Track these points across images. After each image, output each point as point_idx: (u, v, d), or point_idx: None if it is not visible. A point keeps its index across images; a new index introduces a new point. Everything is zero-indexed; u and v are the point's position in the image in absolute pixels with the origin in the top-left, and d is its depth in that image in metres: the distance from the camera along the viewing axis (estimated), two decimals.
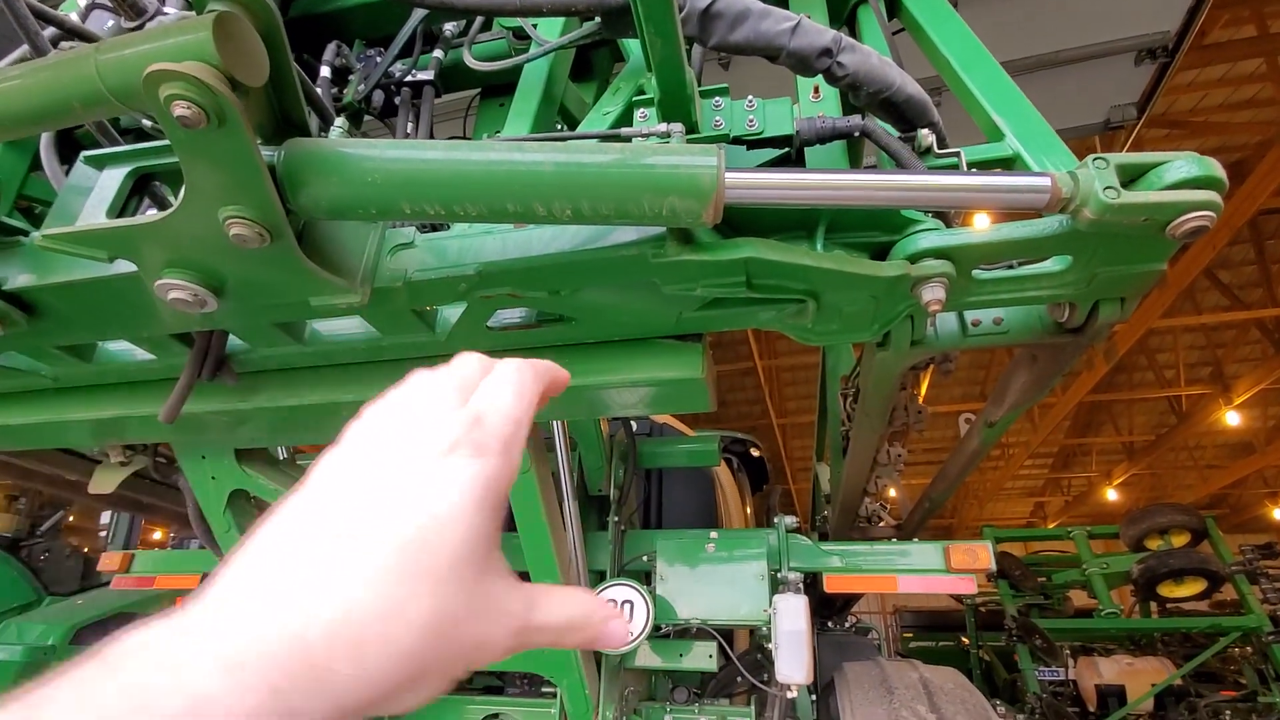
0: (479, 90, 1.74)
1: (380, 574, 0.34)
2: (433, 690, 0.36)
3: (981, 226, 1.10)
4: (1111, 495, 18.20)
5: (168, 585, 2.95)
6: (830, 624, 5.25)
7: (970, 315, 1.39)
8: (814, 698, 2.85)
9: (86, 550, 5.70)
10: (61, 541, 5.55)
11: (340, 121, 1.23)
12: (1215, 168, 0.92)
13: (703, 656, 2.31)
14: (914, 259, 1.07)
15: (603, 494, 2.60)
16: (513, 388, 0.47)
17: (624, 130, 1.14)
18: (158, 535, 8.46)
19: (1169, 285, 9.30)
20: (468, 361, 0.50)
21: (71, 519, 5.99)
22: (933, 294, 1.06)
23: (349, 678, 0.31)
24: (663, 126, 1.10)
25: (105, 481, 2.17)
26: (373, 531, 0.35)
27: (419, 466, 0.39)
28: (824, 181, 0.95)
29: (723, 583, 2.30)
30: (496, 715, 2.53)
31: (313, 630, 0.31)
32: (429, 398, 0.45)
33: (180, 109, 0.80)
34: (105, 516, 6.05)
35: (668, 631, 2.37)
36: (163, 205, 1.20)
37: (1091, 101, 3.83)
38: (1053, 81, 3.69)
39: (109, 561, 2.99)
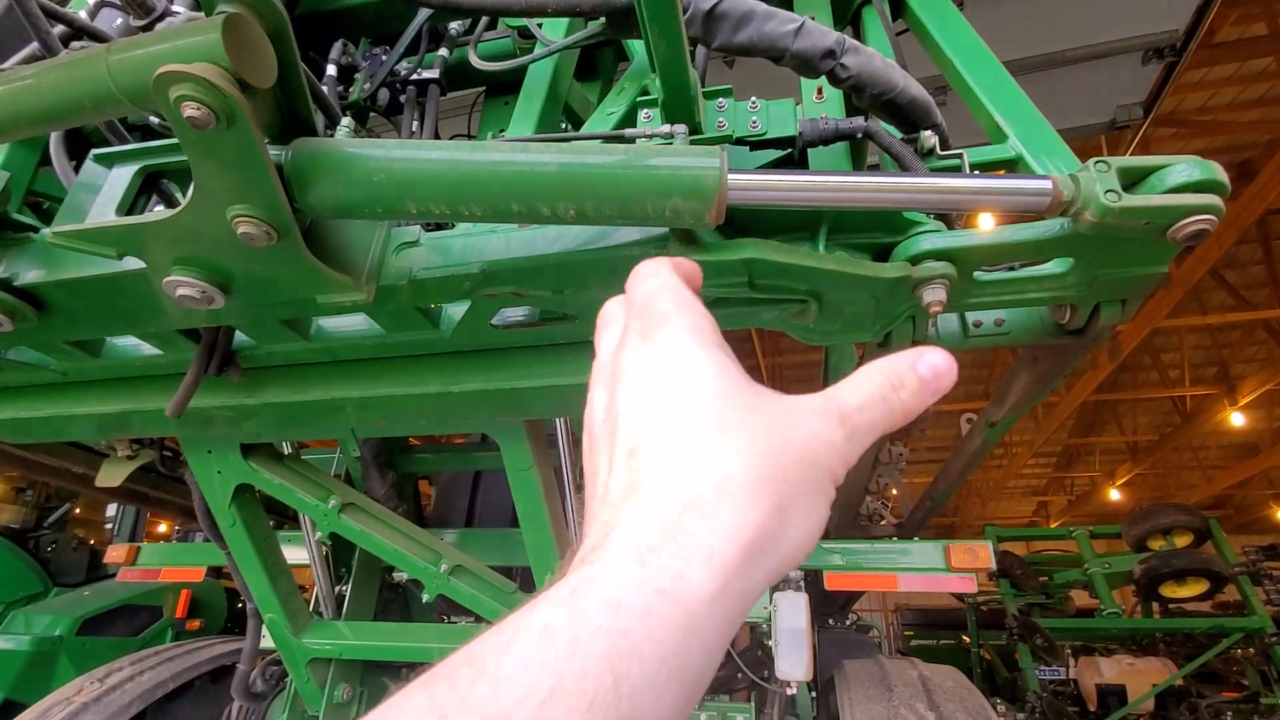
0: (484, 89, 1.75)
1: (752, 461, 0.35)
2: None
3: (983, 228, 1.10)
4: (1115, 495, 18.17)
5: (173, 577, 2.98)
6: (831, 622, 5.26)
7: (972, 316, 1.39)
8: (814, 695, 2.86)
9: (93, 542, 5.75)
10: (68, 533, 5.60)
11: (347, 121, 1.24)
12: (1217, 171, 0.93)
13: None
14: (915, 260, 1.08)
15: None
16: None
17: (628, 131, 1.14)
18: (163, 528, 8.52)
19: (1175, 285, 9.26)
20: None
21: (78, 511, 6.04)
22: (934, 295, 1.07)
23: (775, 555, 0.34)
24: (666, 127, 1.11)
25: (112, 475, 2.19)
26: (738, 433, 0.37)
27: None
28: (826, 183, 0.95)
29: None
30: None
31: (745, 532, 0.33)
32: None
33: (190, 110, 0.81)
34: (111, 509, 6.11)
35: None
36: (171, 203, 1.21)
37: (1098, 101, 3.82)
38: (1059, 81, 3.68)
39: (115, 554, 3.02)
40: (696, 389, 0.40)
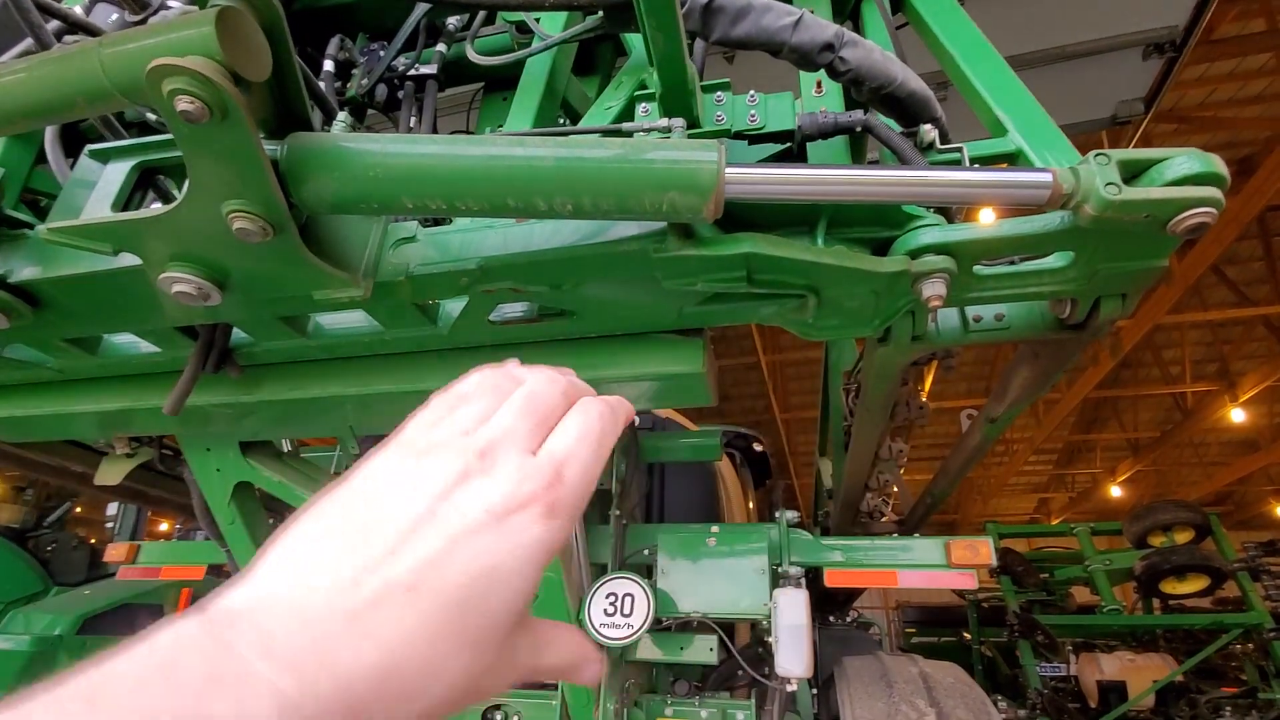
0: (482, 85, 1.74)
1: (431, 630, 0.33)
2: None
3: (983, 222, 1.10)
4: (1116, 492, 18.16)
5: (173, 576, 2.98)
6: (832, 619, 5.26)
7: (972, 311, 1.39)
8: (815, 692, 2.87)
9: (93, 541, 5.75)
10: (68, 532, 5.59)
11: (343, 116, 1.23)
12: (1217, 164, 0.92)
13: (703, 650, 2.33)
14: (915, 254, 1.07)
15: (604, 488, 2.61)
16: (595, 439, 0.43)
17: (625, 125, 1.14)
18: (164, 526, 8.52)
19: (1176, 281, 9.25)
20: (548, 383, 0.46)
21: (78, 510, 6.03)
22: (933, 289, 1.06)
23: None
24: (664, 121, 1.10)
25: (111, 473, 2.19)
26: (429, 581, 0.34)
27: (488, 515, 0.37)
28: (824, 177, 0.95)
29: (723, 577, 2.31)
30: (498, 707, 2.55)
31: (359, 681, 0.31)
32: (505, 421, 0.42)
33: (183, 104, 0.80)
34: (112, 508, 6.10)
35: (669, 625, 2.39)
36: (167, 199, 1.20)
37: (1099, 96, 3.81)
38: (1060, 76, 3.67)
39: (115, 552, 3.02)
40: None
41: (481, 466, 0.39)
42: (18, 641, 4.34)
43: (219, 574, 2.84)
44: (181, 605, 5.16)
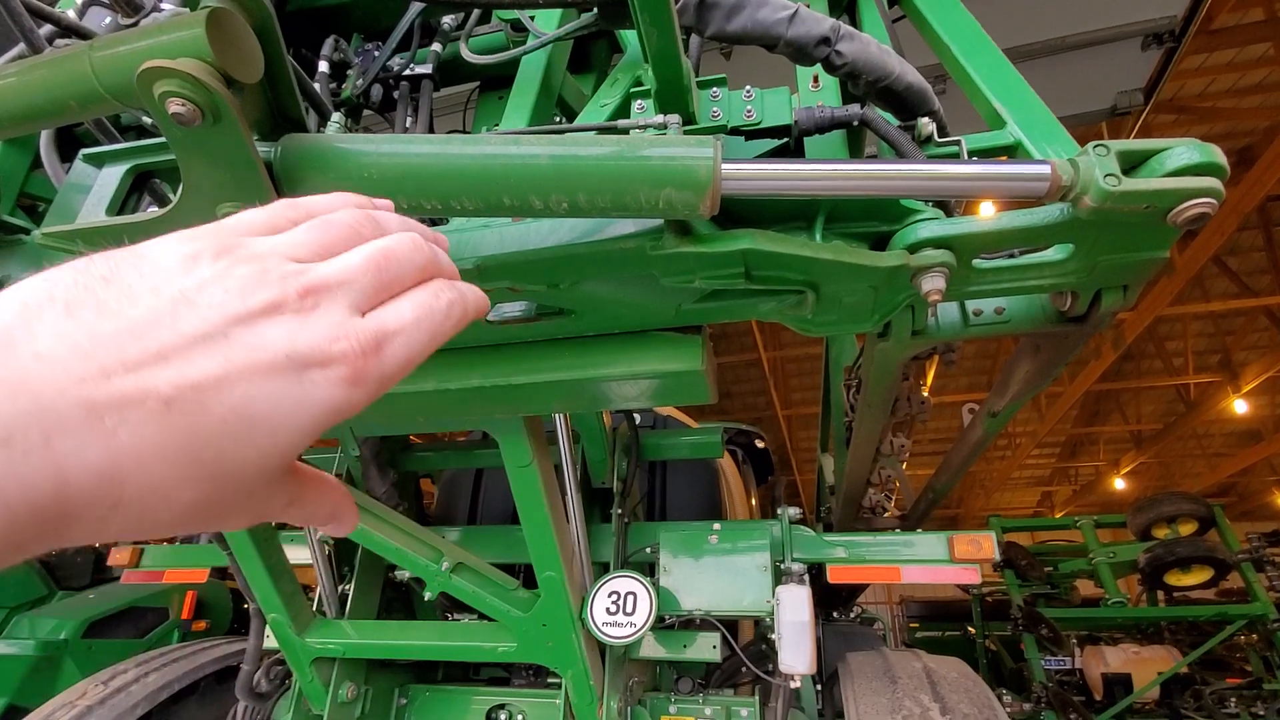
0: (478, 84, 1.73)
1: (172, 453, 0.30)
2: (203, 526, 0.34)
3: (982, 215, 1.09)
4: (1119, 484, 18.15)
5: (177, 579, 2.98)
6: (836, 615, 5.26)
7: (972, 305, 1.38)
8: (819, 688, 2.87)
9: (97, 545, 5.76)
10: None
11: (337, 117, 1.23)
12: (1216, 154, 0.91)
13: (706, 647, 2.32)
14: (913, 249, 1.07)
15: (606, 487, 2.61)
16: (433, 325, 0.39)
17: (621, 122, 1.13)
18: None
19: (1177, 273, 9.23)
20: (411, 247, 0.41)
21: None
22: (932, 284, 1.05)
23: (85, 523, 0.29)
24: (660, 118, 1.10)
25: None
26: (191, 403, 0.30)
27: (286, 360, 0.33)
28: (820, 172, 0.94)
29: (726, 574, 2.30)
30: (502, 706, 2.55)
31: (75, 479, 0.28)
32: (347, 266, 0.37)
33: (175, 106, 0.80)
34: None
35: (672, 622, 2.38)
36: (163, 202, 1.20)
37: (1098, 87, 3.79)
38: (1059, 68, 3.66)
39: (119, 556, 3.02)
40: None
41: (299, 305, 0.34)
42: (23, 646, 4.35)
43: (223, 577, 2.84)
44: (187, 608, 5.18)
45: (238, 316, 0.33)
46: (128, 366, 0.30)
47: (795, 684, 2.19)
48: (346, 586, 2.51)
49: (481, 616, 2.18)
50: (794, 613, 2.02)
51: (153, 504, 0.30)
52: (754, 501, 4.47)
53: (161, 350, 0.31)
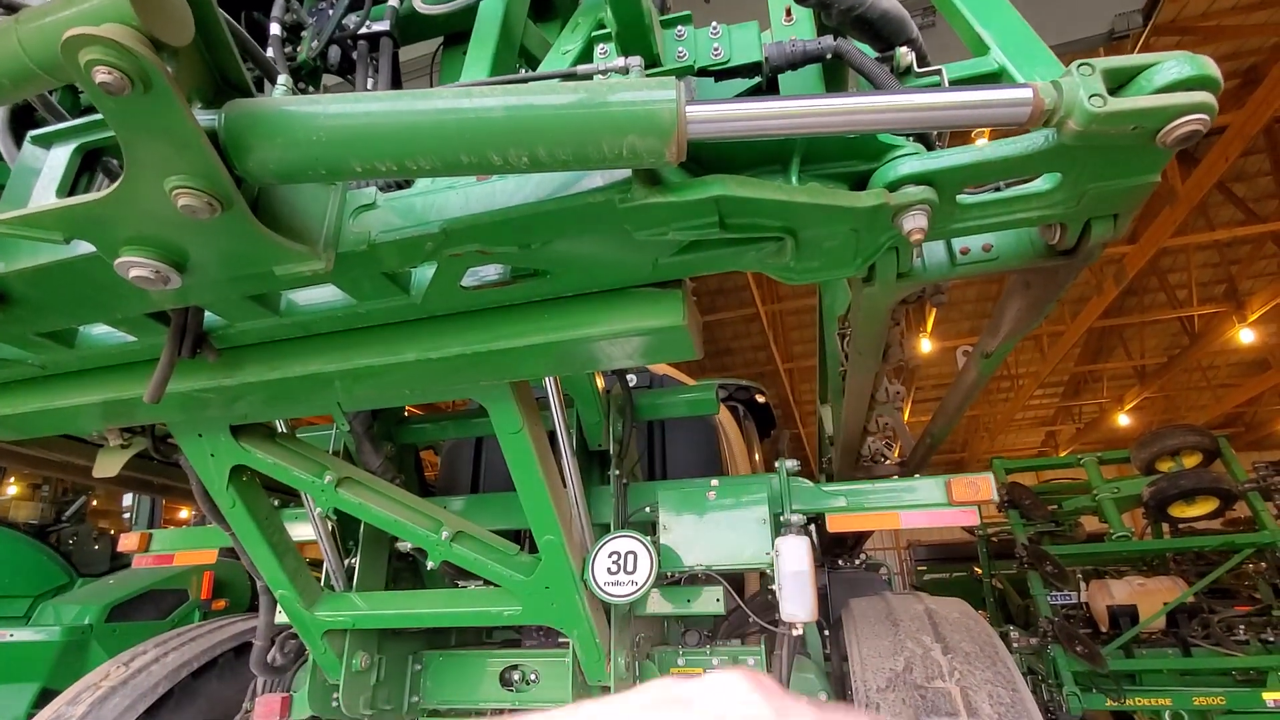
0: (441, 40, 1.66)
1: None
2: None
3: (963, 148, 1.04)
4: (1124, 420, 18.18)
5: (186, 561, 3.02)
6: (841, 562, 5.34)
7: (958, 243, 1.34)
8: (825, 634, 2.91)
9: (114, 532, 5.85)
10: (89, 525, 5.69)
11: (284, 79, 1.18)
12: (1208, 66, 0.87)
13: (710, 601, 2.35)
14: (893, 186, 1.03)
15: (603, 449, 2.61)
16: None
17: (581, 68, 1.08)
18: (185, 514, 8.66)
19: (1180, 202, 9.04)
20: None
21: (95, 503, 6.13)
22: (914, 222, 1.02)
23: None
24: (620, 61, 1.05)
25: (108, 465, 2.19)
26: None
27: None
28: (790, 109, 0.89)
29: (725, 529, 2.32)
30: (515, 667, 2.61)
31: None
32: None
33: (102, 75, 0.76)
34: (128, 499, 6.20)
35: (676, 579, 2.41)
36: (117, 179, 1.16)
37: (1094, 10, 3.65)
38: None
39: (128, 542, 3.06)
40: None
41: None
42: (49, 633, 4.46)
43: (232, 556, 2.88)
44: (205, 588, 5.29)
45: None
46: None
47: (798, 632, 2.22)
48: (353, 560, 2.54)
49: (487, 583, 2.20)
50: (793, 563, 2.03)
51: None
52: (757, 456, 4.48)
53: None
